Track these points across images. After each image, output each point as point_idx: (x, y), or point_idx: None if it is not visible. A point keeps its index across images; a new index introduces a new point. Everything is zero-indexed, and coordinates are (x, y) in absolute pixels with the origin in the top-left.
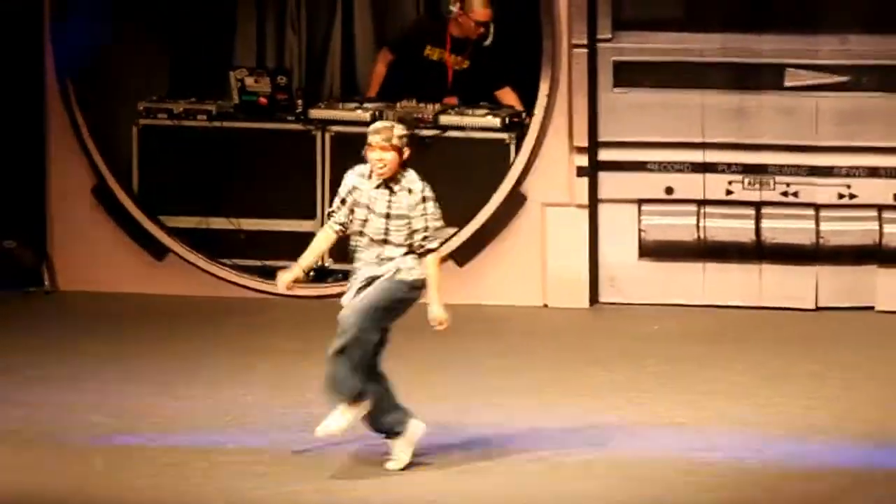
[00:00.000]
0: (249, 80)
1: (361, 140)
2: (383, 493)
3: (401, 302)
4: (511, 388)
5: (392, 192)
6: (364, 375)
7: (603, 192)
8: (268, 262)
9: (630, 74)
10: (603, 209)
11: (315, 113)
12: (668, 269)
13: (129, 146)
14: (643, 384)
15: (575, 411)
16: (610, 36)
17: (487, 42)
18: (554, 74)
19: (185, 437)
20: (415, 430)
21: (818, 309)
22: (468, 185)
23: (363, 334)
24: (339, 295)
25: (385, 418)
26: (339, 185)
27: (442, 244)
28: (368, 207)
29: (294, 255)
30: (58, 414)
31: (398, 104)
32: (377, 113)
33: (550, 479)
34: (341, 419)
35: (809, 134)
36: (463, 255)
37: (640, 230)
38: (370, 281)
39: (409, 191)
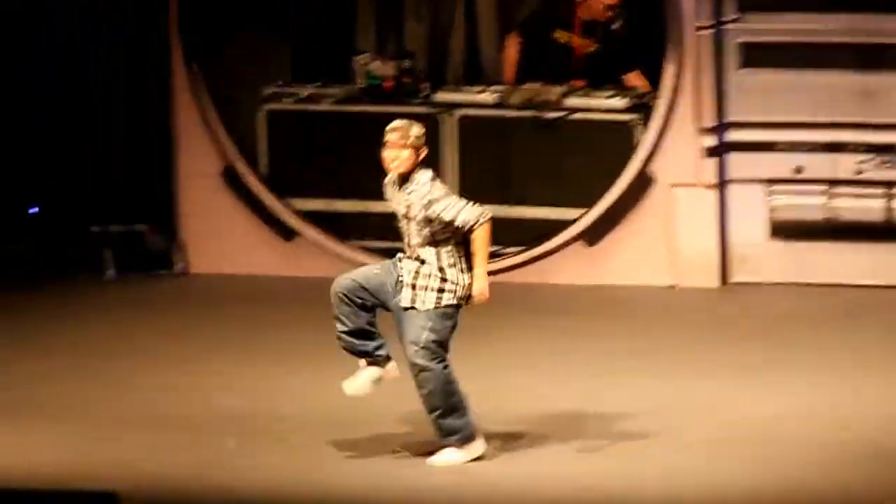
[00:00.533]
0: (374, 65)
1: (487, 123)
2: (523, 479)
3: (449, 319)
4: (640, 369)
5: (408, 193)
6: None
7: (732, 173)
8: (396, 244)
9: (756, 55)
10: (732, 189)
11: (440, 96)
12: (798, 248)
13: (254, 130)
14: (775, 364)
15: (706, 392)
16: (735, 17)
17: (616, 26)
18: (680, 56)
19: (319, 417)
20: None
21: None
22: (595, 166)
23: (437, 368)
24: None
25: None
26: (465, 167)
27: (479, 215)
28: (396, 212)
29: None
30: (189, 395)
31: (524, 85)
32: (502, 95)
33: (681, 458)
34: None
35: None
36: (592, 236)
37: (769, 210)
38: (407, 296)
39: (427, 190)
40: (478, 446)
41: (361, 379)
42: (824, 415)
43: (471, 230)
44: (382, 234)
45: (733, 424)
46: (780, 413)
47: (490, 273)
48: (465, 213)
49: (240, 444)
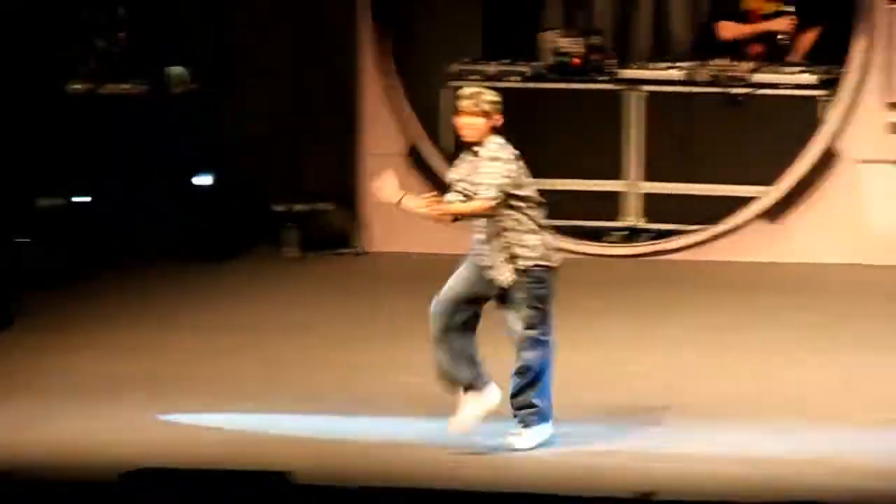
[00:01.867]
0: (563, 41)
1: (674, 99)
2: (693, 455)
3: (544, 291)
4: (825, 347)
5: (480, 158)
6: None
7: None
8: (578, 223)
9: None
10: None
11: (627, 73)
12: None
13: (442, 108)
14: None
15: (892, 371)
16: None
17: None
18: (870, 31)
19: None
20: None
21: None
22: (781, 142)
23: (545, 340)
24: (649, 255)
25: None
26: (652, 144)
27: (487, 196)
28: (462, 180)
29: (602, 214)
30: (372, 375)
31: (711, 62)
32: (691, 72)
33: (868, 439)
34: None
35: None
36: (776, 213)
37: None
38: (485, 277)
39: (487, 149)
40: (546, 429)
41: (465, 415)
42: None
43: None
44: (561, 213)
45: None
46: None
47: (675, 251)
48: (487, 186)
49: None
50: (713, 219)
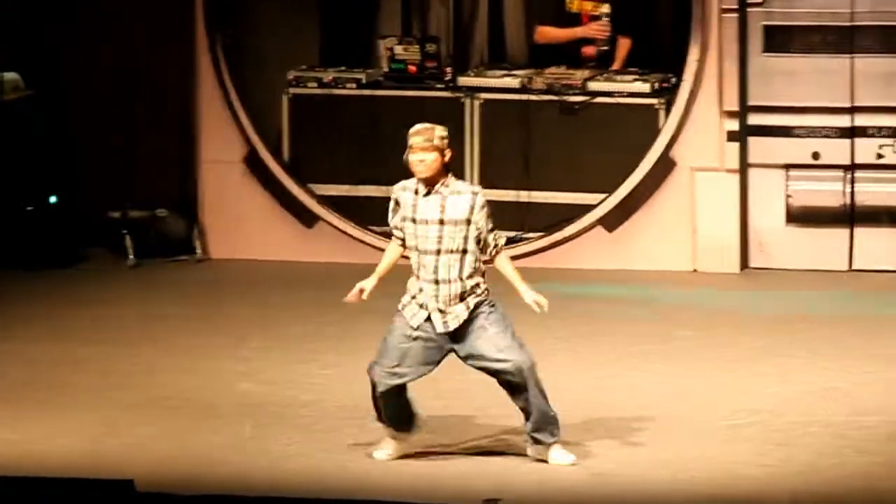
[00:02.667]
0: (399, 49)
1: (511, 107)
2: (535, 465)
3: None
4: (659, 353)
5: (442, 196)
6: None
7: (751, 157)
8: None
9: (780, 39)
10: (751, 174)
11: (464, 80)
12: (816, 234)
13: (278, 115)
14: (793, 349)
15: (724, 377)
16: (760, 0)
17: None
18: (704, 39)
19: (337, 404)
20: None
21: None
22: (617, 150)
23: (532, 362)
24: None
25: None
26: (488, 152)
27: (503, 241)
28: (414, 219)
29: None
30: (208, 381)
31: (546, 70)
32: (526, 80)
33: (699, 443)
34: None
35: None
36: (612, 221)
37: (787, 195)
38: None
39: (458, 192)
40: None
41: (388, 449)
42: (840, 400)
43: (495, 250)
44: None
45: (750, 409)
46: (797, 398)
47: (512, 258)
48: (496, 233)
49: (257, 431)
50: (551, 226)
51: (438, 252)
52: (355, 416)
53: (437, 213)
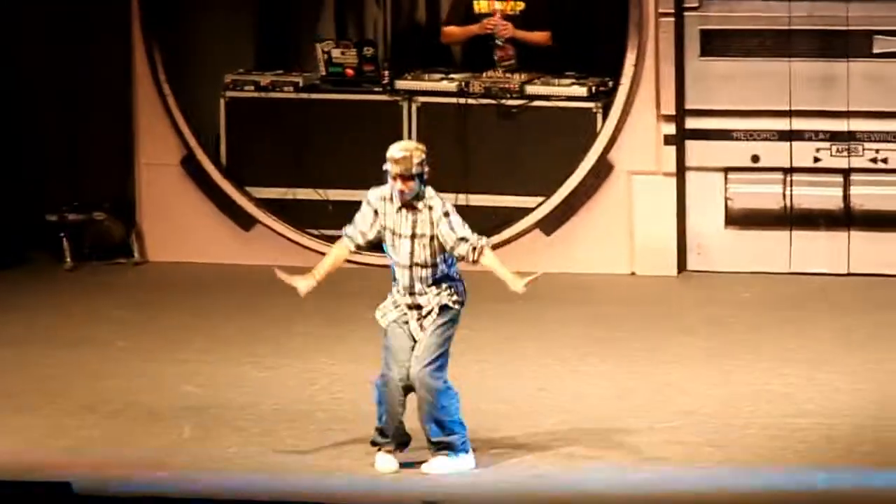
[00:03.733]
0: (336, 52)
1: (448, 110)
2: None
3: (454, 323)
4: (598, 355)
5: (416, 210)
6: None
7: (689, 161)
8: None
9: (717, 42)
10: (690, 177)
11: (401, 84)
12: (755, 237)
13: (215, 118)
14: (731, 351)
15: (663, 379)
16: (697, 4)
17: None
18: (641, 43)
19: (275, 408)
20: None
21: None
22: (555, 154)
23: (445, 386)
24: None
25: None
26: (427, 155)
27: (485, 242)
28: (393, 231)
29: None
30: (148, 384)
31: (484, 74)
32: (463, 84)
33: (637, 445)
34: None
35: None
36: (550, 224)
37: (726, 198)
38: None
39: (430, 208)
40: (469, 459)
41: (387, 463)
42: (778, 402)
43: (478, 256)
44: (341, 223)
45: (688, 411)
46: (735, 400)
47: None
48: (474, 237)
49: (196, 433)
50: (489, 230)
51: (412, 266)
52: (291, 419)
53: (410, 228)
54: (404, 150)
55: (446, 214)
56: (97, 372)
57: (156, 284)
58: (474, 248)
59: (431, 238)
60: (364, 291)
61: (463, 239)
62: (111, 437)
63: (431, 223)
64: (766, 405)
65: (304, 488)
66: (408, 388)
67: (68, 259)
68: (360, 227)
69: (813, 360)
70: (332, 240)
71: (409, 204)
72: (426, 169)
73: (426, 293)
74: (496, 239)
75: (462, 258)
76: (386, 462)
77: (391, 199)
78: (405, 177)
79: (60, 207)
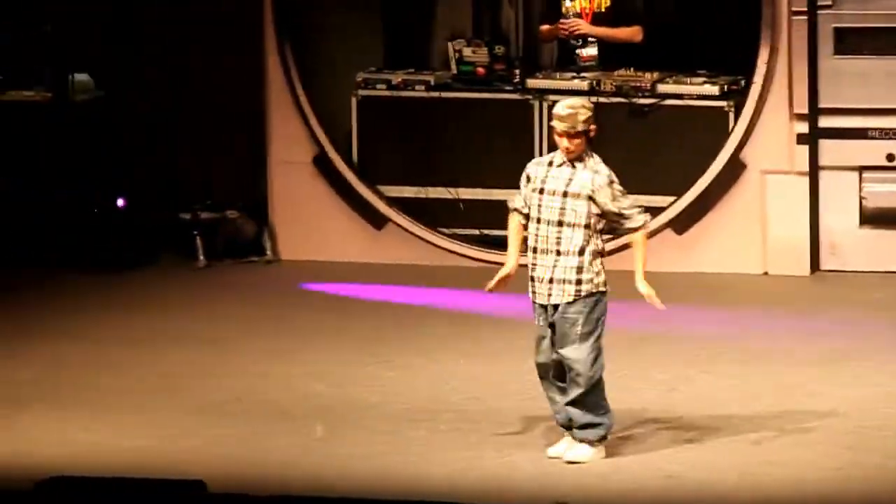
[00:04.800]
0: (467, 51)
1: None
2: (605, 466)
3: (602, 314)
4: (729, 356)
5: (574, 168)
6: (602, 407)
7: (823, 160)
8: (486, 231)
9: (851, 41)
10: (823, 176)
11: (532, 83)
12: (890, 236)
13: (347, 117)
14: (864, 352)
15: (794, 380)
16: (830, 2)
17: None
18: (773, 41)
19: (405, 407)
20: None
21: None
22: (686, 153)
23: (595, 374)
24: None
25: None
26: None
27: (644, 222)
28: (542, 190)
29: None
30: (279, 383)
31: (615, 73)
32: (595, 83)
33: (768, 447)
34: (577, 451)
35: None
36: (682, 224)
37: (861, 197)
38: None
39: (596, 172)
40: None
41: (562, 446)
42: None
43: (634, 228)
44: (472, 222)
45: (819, 413)
46: (867, 402)
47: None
48: (636, 210)
49: (328, 433)
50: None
51: (560, 224)
52: (422, 419)
53: (564, 185)
54: (570, 108)
55: (611, 184)
56: (228, 370)
57: (287, 283)
58: (625, 229)
59: (588, 202)
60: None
61: (621, 215)
62: (242, 436)
63: (593, 188)
64: None
65: (435, 487)
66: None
67: (201, 257)
68: (518, 200)
69: None
70: (463, 239)
71: (571, 162)
72: (593, 128)
73: (567, 256)
74: (627, 239)
75: (587, 227)
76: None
77: (549, 163)
78: (570, 134)
79: (194, 206)
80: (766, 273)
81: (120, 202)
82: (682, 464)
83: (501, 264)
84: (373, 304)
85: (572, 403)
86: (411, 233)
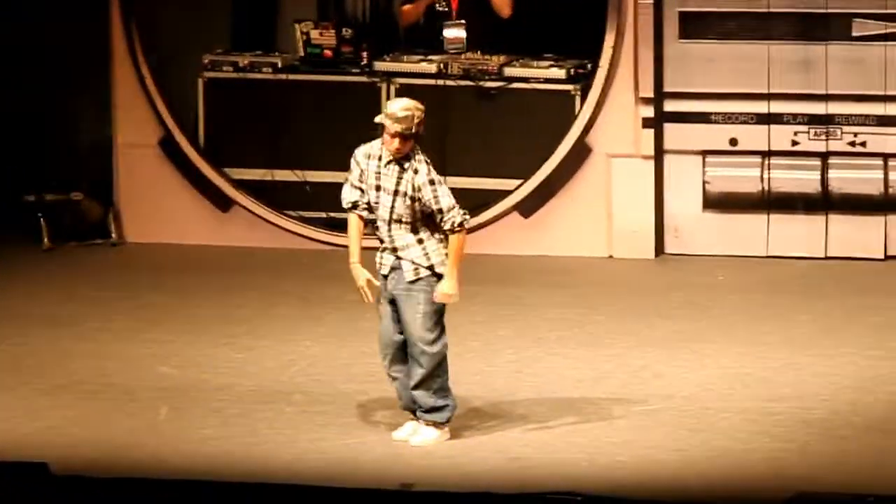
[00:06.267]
0: (315, 33)
1: (427, 92)
2: (453, 449)
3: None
4: (575, 338)
5: (402, 168)
6: (446, 390)
7: (668, 144)
8: (332, 214)
9: (696, 25)
10: (668, 160)
11: (380, 65)
12: (733, 220)
13: (193, 99)
14: (708, 334)
15: (640, 362)
16: None
17: None
18: (620, 25)
19: (251, 388)
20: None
21: (887, 258)
22: (533, 136)
23: (438, 354)
24: None
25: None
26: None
27: (464, 220)
28: (378, 187)
29: None
30: (124, 365)
31: (463, 55)
32: (442, 65)
33: (614, 429)
34: (424, 435)
35: (878, 83)
36: (528, 207)
37: (704, 182)
38: (394, 280)
39: (416, 171)
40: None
41: (407, 429)
42: (754, 385)
43: (451, 229)
44: (319, 204)
45: (665, 395)
46: (711, 383)
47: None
48: (454, 211)
49: (172, 414)
50: (468, 212)
51: (391, 221)
52: (268, 401)
53: (394, 184)
54: (406, 110)
55: (431, 182)
56: (72, 352)
57: (133, 265)
58: (449, 225)
59: (413, 199)
60: (342, 274)
61: (440, 211)
62: (87, 418)
63: (414, 186)
64: (742, 389)
65: (281, 469)
66: None
67: (46, 239)
68: (356, 185)
69: (790, 344)
70: (309, 222)
71: (398, 161)
72: (422, 129)
73: (406, 248)
74: (474, 222)
75: (415, 227)
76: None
77: (379, 157)
78: (404, 136)
79: (38, 188)
80: (611, 256)
81: None
82: (528, 445)
83: (346, 247)
84: (219, 287)
85: (417, 387)
86: (258, 215)
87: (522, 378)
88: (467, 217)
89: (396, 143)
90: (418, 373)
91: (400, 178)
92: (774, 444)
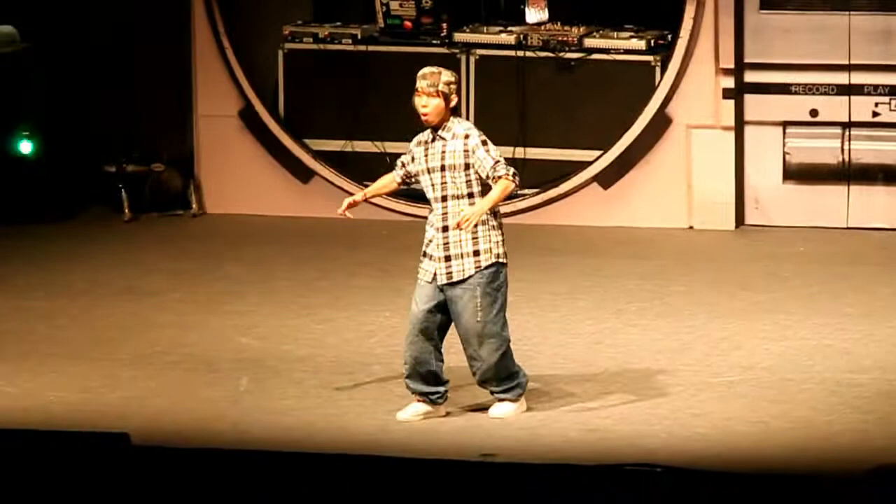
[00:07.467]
0: (394, 4)
1: (505, 63)
2: (532, 420)
3: (500, 285)
4: (654, 310)
5: (444, 141)
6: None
7: (748, 115)
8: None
9: None
10: (748, 132)
11: (460, 36)
12: (813, 191)
13: (274, 70)
14: (788, 306)
15: (719, 333)
16: None
17: None
18: None
19: (331, 359)
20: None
21: None
22: (613, 107)
23: (499, 346)
24: None
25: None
26: (483, 107)
27: (516, 174)
28: (427, 170)
29: None
30: (205, 336)
31: (542, 27)
32: (522, 37)
33: (694, 400)
34: (502, 408)
35: None
36: (608, 178)
37: (784, 153)
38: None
39: (466, 136)
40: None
41: (412, 409)
42: (834, 357)
43: (505, 174)
44: None
45: (745, 366)
46: (791, 355)
47: (507, 214)
48: (500, 164)
49: (253, 385)
50: (546, 183)
51: (444, 199)
52: (348, 371)
53: (439, 160)
54: (434, 68)
55: (484, 143)
56: (154, 323)
57: (213, 236)
58: (505, 172)
59: (466, 169)
60: (422, 244)
61: (493, 167)
62: (168, 389)
63: (466, 152)
64: (823, 360)
65: (361, 440)
66: None
67: (126, 210)
68: (405, 159)
69: (871, 315)
70: (388, 193)
71: (440, 135)
72: (454, 97)
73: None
74: (553, 193)
75: (471, 196)
76: None
77: (426, 141)
78: (429, 93)
79: (119, 159)
80: (691, 227)
81: (25, 148)
82: (607, 417)
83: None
84: (299, 258)
85: (484, 382)
86: (337, 186)
87: (601, 349)
88: (507, 173)
89: (424, 99)
90: (482, 368)
91: (443, 152)
92: (856, 416)
